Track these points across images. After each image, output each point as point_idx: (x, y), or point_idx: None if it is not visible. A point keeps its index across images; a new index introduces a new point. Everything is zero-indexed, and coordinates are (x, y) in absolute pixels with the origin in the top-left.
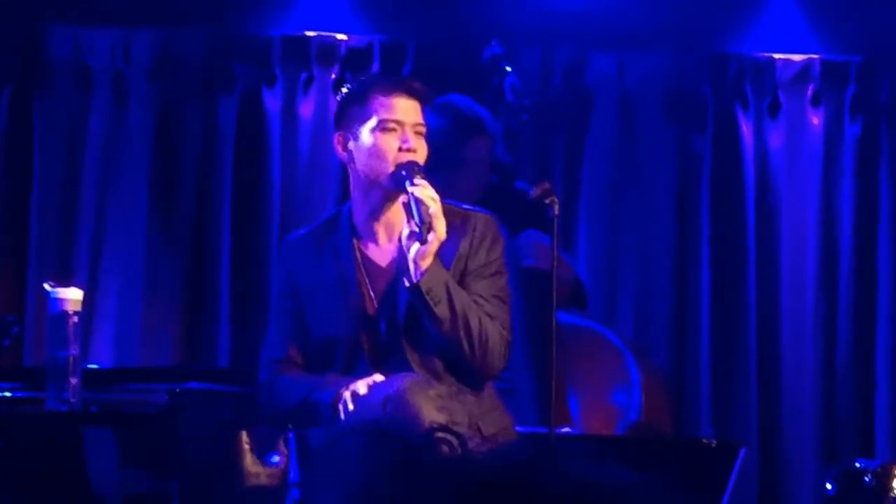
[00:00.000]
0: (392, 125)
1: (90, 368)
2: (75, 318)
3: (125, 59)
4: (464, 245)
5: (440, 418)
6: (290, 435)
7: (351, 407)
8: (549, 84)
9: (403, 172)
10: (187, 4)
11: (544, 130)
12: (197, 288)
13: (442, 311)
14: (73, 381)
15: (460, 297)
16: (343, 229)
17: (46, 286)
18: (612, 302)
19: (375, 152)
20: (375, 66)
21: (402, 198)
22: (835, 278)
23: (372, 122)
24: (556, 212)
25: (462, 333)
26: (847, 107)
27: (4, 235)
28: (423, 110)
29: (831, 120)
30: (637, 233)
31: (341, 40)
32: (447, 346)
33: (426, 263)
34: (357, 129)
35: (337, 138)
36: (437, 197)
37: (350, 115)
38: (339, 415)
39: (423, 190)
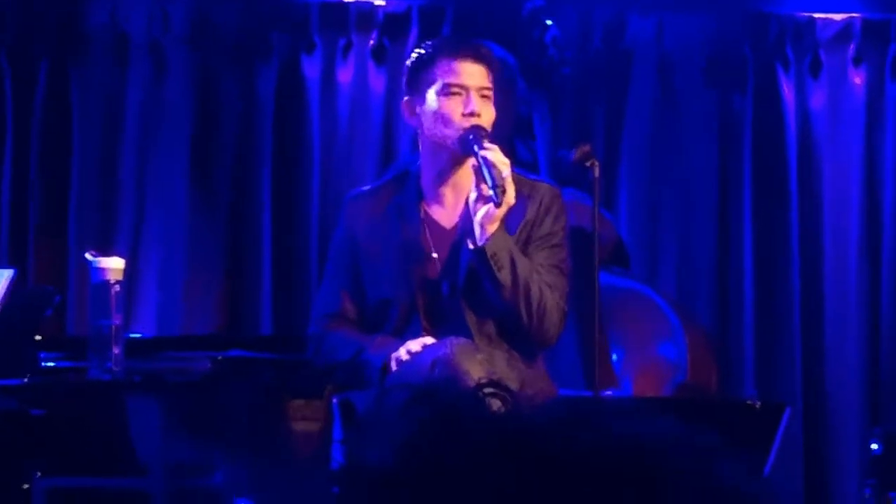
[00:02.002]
0: (456, 89)
1: (132, 337)
2: (117, 288)
3: (162, 28)
4: (529, 214)
5: (483, 373)
6: (334, 401)
7: (404, 358)
8: (588, 46)
9: (471, 137)
10: None
11: (584, 92)
12: (238, 255)
13: (504, 276)
14: (116, 350)
15: (523, 264)
16: (410, 191)
17: (88, 256)
18: (654, 263)
19: (440, 116)
20: (414, 31)
21: (472, 162)
22: (878, 238)
23: (437, 86)
24: (597, 174)
25: (521, 300)
26: (889, 65)
27: (45, 206)
28: (493, 74)
29: (873, 79)
30: (678, 194)
31: (379, 6)
32: (504, 312)
33: (492, 228)
34: (423, 94)
35: (405, 103)
36: (507, 161)
37: (417, 79)
38: (387, 378)
39: (495, 154)
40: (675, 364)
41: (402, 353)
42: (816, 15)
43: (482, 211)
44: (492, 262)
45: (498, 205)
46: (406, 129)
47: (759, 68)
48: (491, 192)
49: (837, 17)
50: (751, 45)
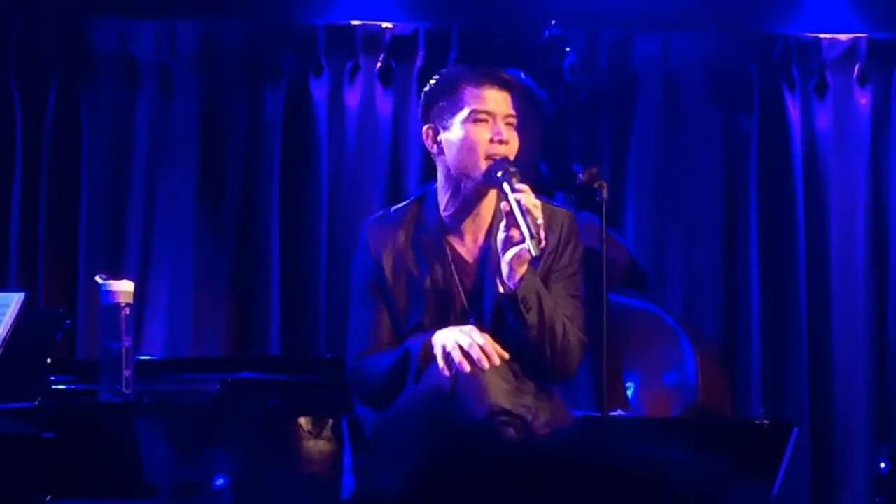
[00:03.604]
0: (484, 116)
1: (143, 360)
2: (127, 310)
3: (170, 51)
4: (550, 243)
5: (505, 403)
6: (343, 421)
7: (457, 357)
8: (595, 66)
9: (500, 174)
10: None
11: (591, 113)
12: (247, 277)
13: (532, 318)
14: (127, 372)
15: (548, 303)
16: (432, 224)
17: (98, 279)
18: (661, 282)
19: (467, 144)
20: (420, 54)
21: (499, 198)
22: (884, 256)
23: (463, 114)
24: (605, 195)
25: (547, 339)
26: (894, 85)
27: (55, 229)
28: (516, 101)
29: (879, 99)
30: (685, 213)
31: (386, 28)
32: (528, 347)
33: (522, 270)
34: (447, 121)
35: (426, 131)
36: (538, 203)
37: (440, 107)
38: (432, 361)
39: (528, 197)
40: (682, 385)
41: (437, 345)
42: (822, 35)
43: (512, 252)
44: (521, 306)
45: (536, 256)
46: (413, 151)
47: (765, 88)
48: (528, 241)
49: (843, 37)
50: (757, 65)
